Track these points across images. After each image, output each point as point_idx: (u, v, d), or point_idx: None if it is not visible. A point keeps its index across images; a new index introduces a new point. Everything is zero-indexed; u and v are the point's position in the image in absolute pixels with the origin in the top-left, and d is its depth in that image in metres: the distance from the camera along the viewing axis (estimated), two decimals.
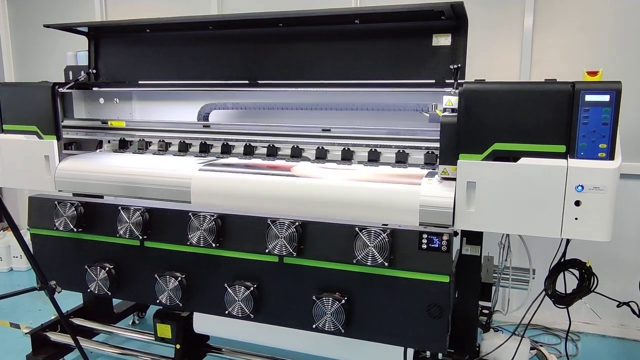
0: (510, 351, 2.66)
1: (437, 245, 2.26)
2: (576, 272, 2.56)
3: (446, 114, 2.44)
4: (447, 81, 2.63)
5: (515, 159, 2.25)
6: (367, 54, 2.79)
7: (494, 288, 2.69)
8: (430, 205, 2.36)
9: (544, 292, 2.56)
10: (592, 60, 3.60)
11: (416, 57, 2.70)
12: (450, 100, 2.51)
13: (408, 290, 2.32)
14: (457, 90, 2.35)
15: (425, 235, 2.27)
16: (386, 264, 2.27)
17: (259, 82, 3.04)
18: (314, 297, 2.41)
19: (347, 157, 2.91)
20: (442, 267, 2.26)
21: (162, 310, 3.05)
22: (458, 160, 2.33)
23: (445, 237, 2.25)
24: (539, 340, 3.71)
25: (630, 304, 2.63)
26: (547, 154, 2.21)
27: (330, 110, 3.05)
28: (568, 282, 2.65)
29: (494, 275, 2.70)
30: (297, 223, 2.42)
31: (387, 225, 2.34)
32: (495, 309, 2.80)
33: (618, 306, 2.64)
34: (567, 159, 2.18)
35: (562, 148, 2.19)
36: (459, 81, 2.47)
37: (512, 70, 3.75)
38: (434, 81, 2.67)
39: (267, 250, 2.45)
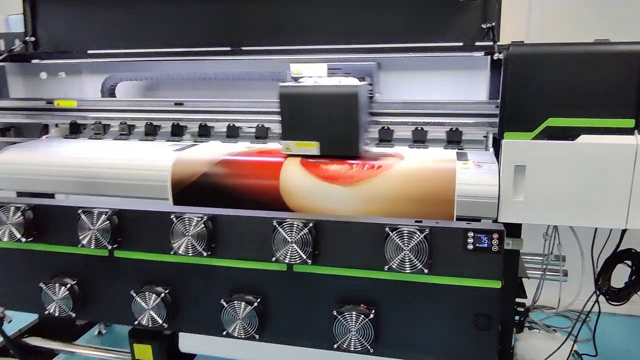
0: (547, 352, 2.36)
1: (486, 245, 1.87)
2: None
3: (283, 84, 2.14)
4: (477, 44, 2.20)
5: (574, 137, 1.88)
6: (380, 12, 2.30)
7: (540, 283, 2.37)
8: (470, 195, 1.98)
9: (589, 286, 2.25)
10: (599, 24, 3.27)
11: (440, 16, 2.25)
12: (298, 69, 2.26)
13: (450, 299, 1.93)
14: (499, 55, 1.95)
15: (471, 234, 1.88)
16: (426, 270, 1.87)
17: (244, 48, 2.51)
18: (334, 312, 1.99)
19: None
20: (493, 271, 1.88)
21: (139, 328, 2.55)
22: (502, 140, 1.95)
23: (496, 236, 1.86)
24: (550, 325, 3.47)
25: None
26: (612, 129, 1.85)
27: None
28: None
29: (538, 269, 2.37)
30: (310, 224, 1.96)
31: (421, 222, 1.93)
32: (535, 305, 2.49)
33: None
34: (636, 135, 1.83)
35: (630, 122, 1.84)
36: (498, 44, 2.04)
37: (519, 33, 3.38)
38: (461, 44, 2.23)
39: (274, 259, 1.99)
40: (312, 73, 2.24)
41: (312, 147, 2.16)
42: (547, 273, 2.36)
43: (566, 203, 1.91)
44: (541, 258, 2.44)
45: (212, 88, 2.93)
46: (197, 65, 2.86)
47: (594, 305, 2.19)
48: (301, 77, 2.23)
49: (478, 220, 1.99)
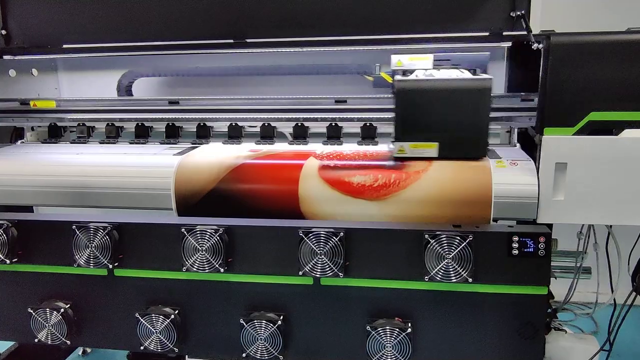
0: (577, 353, 2.27)
1: (532, 250, 1.75)
2: None
3: (401, 77, 1.89)
4: (505, 33, 2.07)
5: (617, 132, 1.78)
6: (398, 1, 2.14)
7: (574, 282, 2.28)
8: (508, 195, 1.84)
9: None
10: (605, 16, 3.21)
11: (463, 2, 2.10)
12: (400, 60, 2.00)
13: (493, 308, 1.81)
14: (538, 45, 1.82)
15: (516, 238, 1.75)
16: (470, 279, 1.73)
17: (248, 40, 2.29)
18: (368, 327, 1.82)
19: (369, 134, 2.30)
20: (540, 277, 1.76)
21: (139, 352, 2.32)
22: (543, 136, 1.82)
23: (542, 239, 1.74)
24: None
25: None
26: None
27: (346, 75, 2.39)
28: None
29: (567, 269, 2.28)
30: (340, 233, 1.79)
31: (460, 227, 1.79)
32: (566, 305, 2.40)
33: None
34: None
35: None
36: (533, 33, 1.90)
37: None
38: (487, 34, 2.09)
39: (301, 272, 1.81)
40: (417, 65, 1.98)
41: (431, 149, 1.91)
42: (585, 275, 2.26)
43: (609, 201, 1.81)
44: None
45: (244, 84, 2.66)
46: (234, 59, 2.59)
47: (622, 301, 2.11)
48: (408, 70, 1.95)
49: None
